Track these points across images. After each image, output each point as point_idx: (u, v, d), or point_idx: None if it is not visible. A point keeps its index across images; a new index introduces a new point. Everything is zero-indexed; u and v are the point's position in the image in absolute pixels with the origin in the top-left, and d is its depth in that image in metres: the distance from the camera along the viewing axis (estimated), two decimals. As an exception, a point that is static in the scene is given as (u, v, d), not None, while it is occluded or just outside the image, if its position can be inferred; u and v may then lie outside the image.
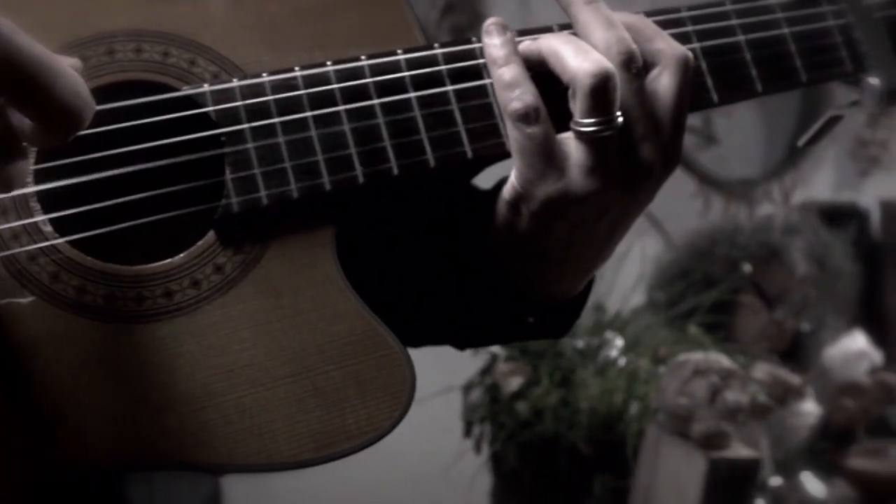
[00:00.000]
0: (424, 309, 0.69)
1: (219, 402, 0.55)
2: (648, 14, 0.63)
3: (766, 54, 0.66)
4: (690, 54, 0.59)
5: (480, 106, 0.60)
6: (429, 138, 0.59)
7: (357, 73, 0.59)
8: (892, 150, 2.74)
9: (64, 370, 0.54)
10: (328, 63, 0.59)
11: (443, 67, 0.60)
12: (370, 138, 0.58)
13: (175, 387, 0.55)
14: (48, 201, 0.56)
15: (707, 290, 1.89)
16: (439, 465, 1.67)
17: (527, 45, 0.59)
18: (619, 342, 1.72)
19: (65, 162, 0.56)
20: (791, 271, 2.07)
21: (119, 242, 0.57)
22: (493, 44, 0.59)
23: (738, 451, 1.40)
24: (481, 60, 0.60)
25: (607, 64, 0.55)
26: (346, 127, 0.58)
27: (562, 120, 0.58)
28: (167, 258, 0.57)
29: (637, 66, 0.57)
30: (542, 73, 0.59)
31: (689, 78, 0.58)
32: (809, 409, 1.83)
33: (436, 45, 0.61)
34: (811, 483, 1.69)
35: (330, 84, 0.59)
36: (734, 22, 0.66)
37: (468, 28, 2.32)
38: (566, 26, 0.61)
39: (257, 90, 0.58)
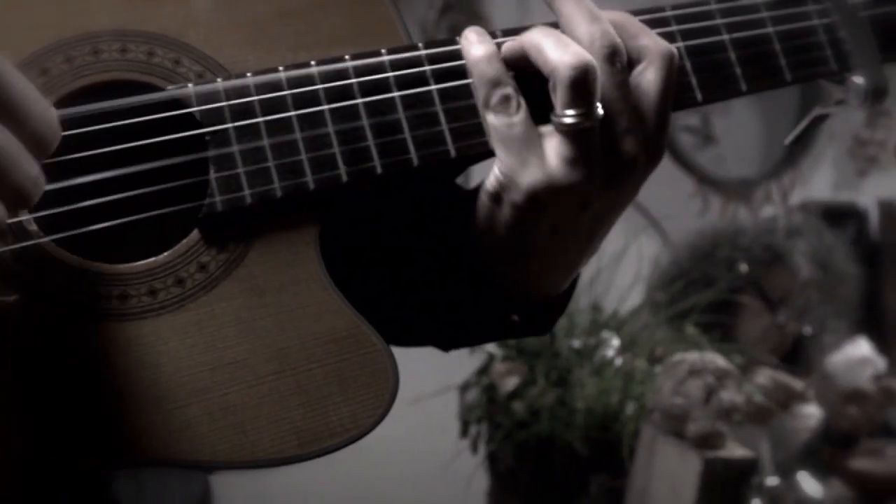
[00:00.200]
0: (408, 308, 0.69)
1: (203, 400, 0.55)
2: (633, 13, 0.63)
3: (750, 53, 0.66)
4: (675, 50, 0.60)
5: (464, 105, 0.60)
6: (412, 137, 0.59)
7: (341, 73, 0.60)
8: (891, 150, 2.73)
9: (48, 368, 0.54)
10: (312, 63, 0.60)
11: (427, 68, 0.61)
12: (354, 137, 0.59)
13: (159, 384, 0.55)
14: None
15: (706, 291, 1.89)
16: (436, 464, 1.67)
17: (509, 43, 0.60)
18: (615, 342, 1.72)
19: (50, 161, 0.56)
20: (794, 274, 2.07)
21: (105, 241, 0.58)
22: (472, 42, 0.60)
23: (734, 450, 1.40)
24: (465, 61, 0.61)
25: (587, 56, 0.55)
26: (330, 126, 0.59)
27: (545, 118, 0.58)
28: (152, 257, 0.57)
29: (621, 59, 0.57)
30: (525, 73, 0.59)
31: (674, 73, 0.59)
32: (810, 411, 1.83)
33: (420, 44, 0.61)
34: (808, 483, 1.69)
35: (314, 84, 0.59)
36: (718, 21, 0.66)
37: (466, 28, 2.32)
38: (556, 26, 0.61)
39: (241, 90, 0.59)
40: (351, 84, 0.60)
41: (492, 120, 0.58)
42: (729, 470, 1.36)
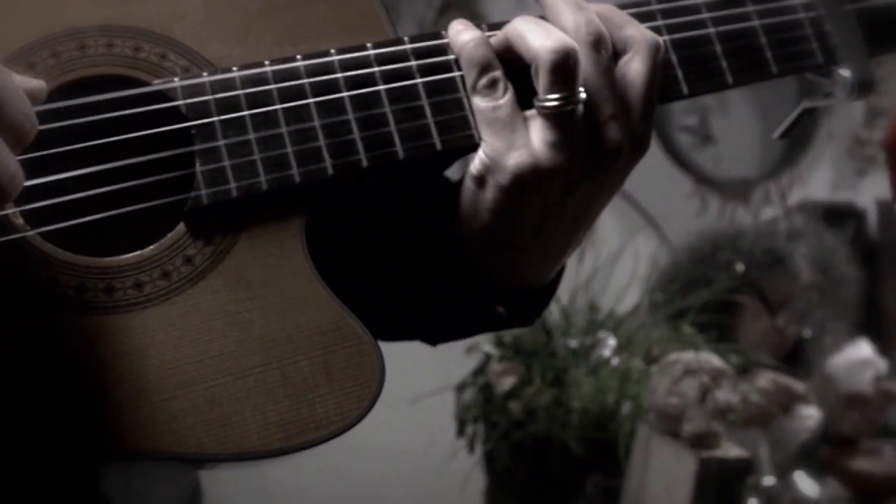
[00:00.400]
0: (395, 301, 0.69)
1: (189, 392, 0.55)
2: (619, 6, 0.63)
3: (736, 46, 0.66)
4: (661, 40, 0.60)
5: (449, 98, 0.60)
6: (398, 131, 0.60)
7: (326, 67, 0.60)
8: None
9: (34, 362, 0.54)
10: (298, 57, 0.60)
11: (413, 63, 0.61)
12: (339, 131, 0.59)
13: (145, 377, 0.55)
14: (20, 194, 0.56)
15: (703, 291, 1.89)
16: (433, 463, 1.67)
17: (495, 37, 0.60)
18: (612, 342, 1.72)
19: (37, 155, 0.57)
20: (794, 277, 2.07)
21: (92, 235, 0.58)
22: (459, 30, 0.60)
23: (729, 450, 1.40)
24: (452, 56, 0.61)
25: (568, 41, 0.56)
26: (316, 120, 0.59)
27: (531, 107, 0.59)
28: (139, 250, 0.57)
29: (606, 47, 0.58)
30: (513, 66, 0.59)
31: (660, 63, 0.59)
32: (810, 412, 1.83)
33: (405, 38, 0.62)
34: (804, 483, 1.69)
35: (300, 78, 0.59)
36: (704, 15, 0.66)
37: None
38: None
39: (227, 84, 0.59)
40: (336, 78, 0.60)
41: (478, 103, 0.58)
42: (724, 470, 1.36)
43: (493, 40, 0.60)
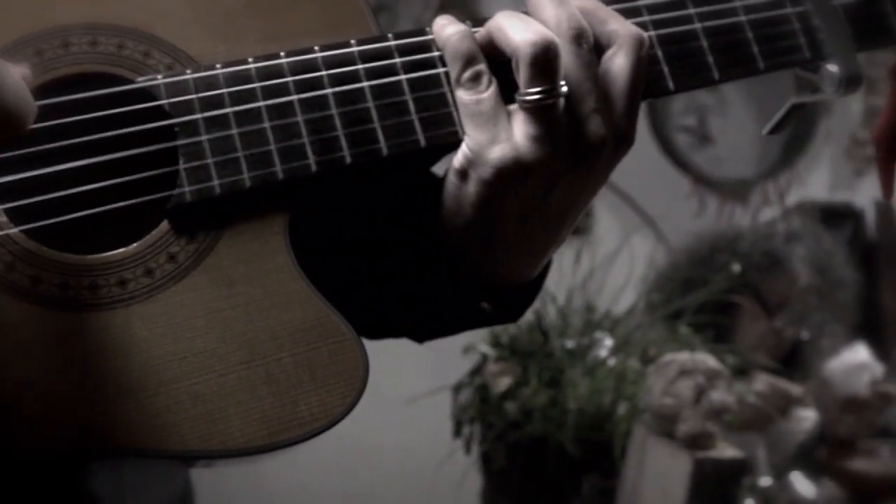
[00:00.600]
0: (381, 299, 0.69)
1: (172, 389, 0.55)
2: (604, 2, 0.63)
3: (723, 42, 0.66)
4: (645, 35, 0.60)
5: (433, 94, 0.60)
6: (382, 127, 0.59)
7: (310, 64, 0.60)
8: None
9: (18, 359, 0.54)
10: (282, 54, 0.60)
11: (397, 60, 0.61)
12: (323, 128, 0.59)
13: (128, 374, 0.55)
14: (2, 192, 0.56)
15: (700, 291, 1.88)
16: (430, 464, 1.67)
17: (479, 32, 0.60)
18: (608, 342, 1.71)
19: (19, 153, 0.57)
20: (792, 279, 2.07)
21: (75, 232, 0.58)
22: (443, 24, 0.60)
23: (724, 451, 1.40)
24: (436, 53, 0.61)
25: (548, 34, 0.56)
26: (299, 116, 0.59)
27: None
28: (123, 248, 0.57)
29: (587, 41, 0.58)
30: (497, 62, 0.59)
31: (644, 57, 0.59)
32: (807, 414, 1.82)
33: (390, 35, 0.62)
34: (801, 483, 1.68)
35: (283, 75, 0.59)
36: (691, 10, 0.66)
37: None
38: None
39: (211, 81, 0.59)
40: (320, 75, 0.60)
41: (462, 96, 0.58)
42: (719, 470, 1.36)
43: (476, 35, 0.60)
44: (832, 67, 0.68)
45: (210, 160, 0.58)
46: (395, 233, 0.67)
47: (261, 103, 0.59)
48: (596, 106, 0.57)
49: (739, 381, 1.69)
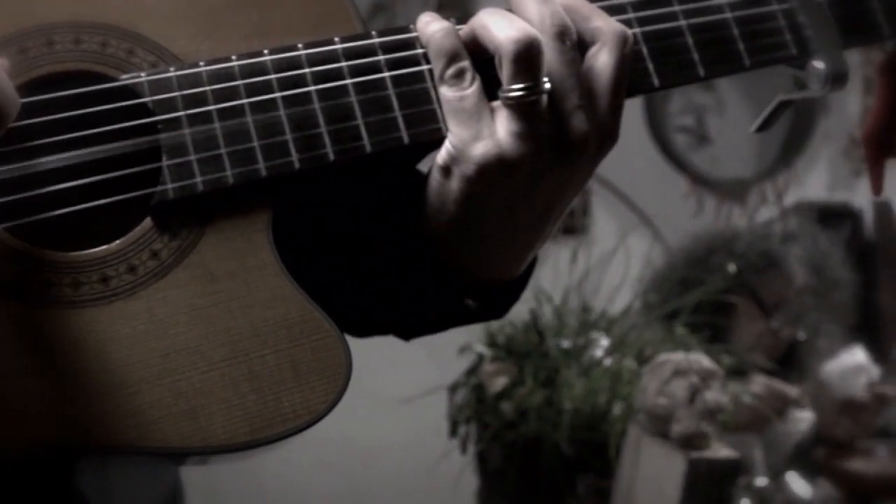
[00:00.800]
0: (366, 297, 0.69)
1: (154, 386, 0.55)
2: (589, 1, 0.63)
3: (708, 38, 0.66)
4: (629, 31, 0.60)
5: (417, 91, 0.60)
6: (365, 124, 0.60)
7: (294, 61, 0.60)
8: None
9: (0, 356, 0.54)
10: (265, 52, 0.60)
11: (381, 57, 0.61)
12: (306, 124, 0.59)
13: (111, 371, 0.55)
14: None
15: (696, 291, 1.88)
16: (425, 463, 1.67)
17: (462, 29, 0.60)
18: (604, 342, 1.71)
19: (2, 150, 0.57)
20: (789, 280, 2.06)
21: (59, 230, 0.58)
22: (427, 21, 0.60)
23: (718, 451, 1.39)
24: (420, 50, 0.61)
25: (531, 30, 0.56)
26: (282, 113, 0.59)
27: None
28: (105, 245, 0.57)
29: (571, 37, 0.58)
30: (481, 60, 0.59)
31: (628, 54, 0.59)
32: (803, 415, 1.82)
33: (373, 32, 0.62)
34: (796, 483, 1.68)
35: (267, 72, 0.60)
36: (676, 7, 0.66)
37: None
38: None
39: (194, 79, 0.59)
40: (304, 73, 0.60)
41: (445, 92, 0.59)
42: (713, 470, 1.35)
43: (460, 32, 0.60)
44: (818, 64, 0.68)
45: (193, 157, 0.58)
46: (379, 230, 0.67)
47: (244, 100, 0.59)
48: (579, 103, 0.57)
49: (736, 382, 1.68)
